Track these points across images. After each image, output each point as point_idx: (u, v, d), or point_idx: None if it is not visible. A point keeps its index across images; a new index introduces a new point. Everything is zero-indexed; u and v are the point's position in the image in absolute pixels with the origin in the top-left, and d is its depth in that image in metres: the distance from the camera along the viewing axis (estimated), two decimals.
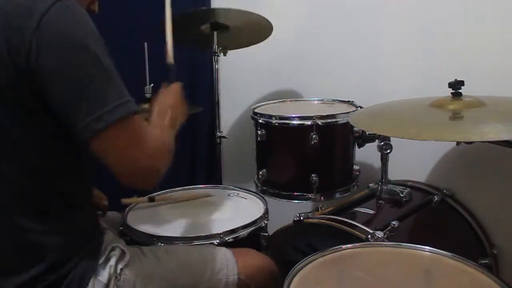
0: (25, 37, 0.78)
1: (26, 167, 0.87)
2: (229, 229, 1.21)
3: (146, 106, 1.55)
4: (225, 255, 1.12)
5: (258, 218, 1.28)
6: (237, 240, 1.21)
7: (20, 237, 0.89)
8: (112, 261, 0.98)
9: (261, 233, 1.29)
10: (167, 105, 1.06)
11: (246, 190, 1.51)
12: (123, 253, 1.01)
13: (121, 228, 1.25)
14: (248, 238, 1.24)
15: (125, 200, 1.39)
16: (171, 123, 1.02)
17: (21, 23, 0.79)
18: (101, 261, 0.97)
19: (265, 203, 1.39)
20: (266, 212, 1.33)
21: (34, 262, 0.89)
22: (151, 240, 1.18)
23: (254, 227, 1.26)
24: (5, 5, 0.81)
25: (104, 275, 0.96)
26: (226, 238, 1.19)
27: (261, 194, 1.47)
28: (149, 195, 1.44)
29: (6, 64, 0.80)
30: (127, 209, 1.36)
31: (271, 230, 1.36)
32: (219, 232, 1.19)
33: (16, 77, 0.81)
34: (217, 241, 1.18)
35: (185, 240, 1.18)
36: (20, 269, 0.89)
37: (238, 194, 1.49)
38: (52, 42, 0.79)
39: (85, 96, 0.81)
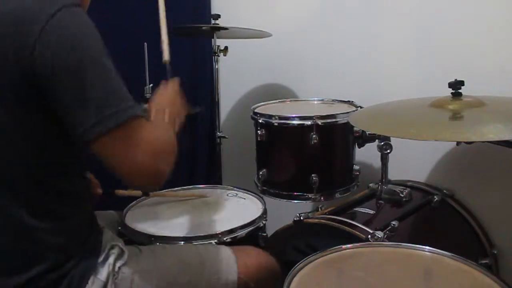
0: (30, 40, 0.80)
1: (27, 166, 0.88)
2: (228, 229, 1.22)
3: (145, 106, 1.54)
4: (225, 254, 1.12)
5: (256, 218, 1.28)
6: (235, 240, 1.21)
7: (22, 236, 0.89)
8: (111, 259, 0.99)
9: (260, 233, 1.30)
10: (165, 103, 1.06)
11: (245, 190, 1.51)
12: (121, 252, 1.02)
13: (119, 228, 1.25)
14: (246, 238, 1.24)
15: (119, 192, 1.38)
16: (170, 121, 1.02)
17: (27, 27, 0.80)
18: (100, 259, 0.98)
19: (264, 203, 1.39)
20: (265, 212, 1.33)
21: (35, 261, 0.89)
22: (149, 240, 1.18)
23: (252, 227, 1.26)
24: (13, 10, 0.82)
25: (103, 274, 0.96)
26: (224, 238, 1.19)
27: (260, 194, 1.47)
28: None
29: (11, 65, 0.81)
30: (125, 209, 1.36)
31: (271, 230, 1.36)
32: (217, 232, 1.20)
33: (20, 79, 0.82)
34: (215, 241, 1.18)
35: (183, 240, 1.18)
36: (21, 268, 0.89)
37: (236, 194, 1.49)
38: (56, 46, 0.80)
39: (87, 99, 0.82)
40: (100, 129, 0.82)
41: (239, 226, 1.23)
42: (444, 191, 1.52)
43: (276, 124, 1.43)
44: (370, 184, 1.53)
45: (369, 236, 1.15)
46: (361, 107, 1.48)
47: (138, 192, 1.41)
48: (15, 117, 0.85)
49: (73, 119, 0.83)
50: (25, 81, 0.82)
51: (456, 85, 1.11)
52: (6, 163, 0.87)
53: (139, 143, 0.86)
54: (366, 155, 1.58)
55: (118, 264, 0.99)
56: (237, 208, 1.39)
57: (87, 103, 0.81)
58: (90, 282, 0.94)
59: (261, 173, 1.48)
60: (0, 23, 0.82)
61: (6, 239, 0.89)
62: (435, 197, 1.46)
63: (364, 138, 1.45)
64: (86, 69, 0.82)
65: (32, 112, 0.85)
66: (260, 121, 1.46)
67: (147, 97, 1.67)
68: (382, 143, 1.40)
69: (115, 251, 1.00)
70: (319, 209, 1.44)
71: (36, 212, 0.89)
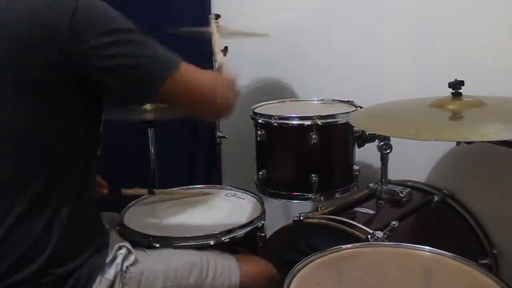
0: (65, 21, 0.84)
1: (42, 157, 0.89)
2: (226, 229, 1.21)
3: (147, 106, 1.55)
4: (227, 259, 1.15)
5: (255, 219, 1.28)
6: (234, 240, 1.21)
7: (29, 229, 0.90)
8: (119, 259, 1.00)
9: (258, 234, 1.29)
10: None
11: (244, 190, 1.51)
12: (129, 252, 1.04)
13: (118, 228, 1.25)
14: (245, 238, 1.24)
15: (125, 191, 1.38)
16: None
17: (59, 10, 0.85)
18: (108, 259, 0.99)
19: (262, 203, 1.39)
20: (263, 212, 1.33)
21: (41, 255, 0.90)
22: (148, 240, 1.18)
23: (250, 227, 1.26)
24: None
25: (110, 273, 0.98)
26: (223, 238, 1.19)
27: (259, 194, 1.47)
28: (148, 188, 1.45)
29: (46, 51, 0.85)
30: (124, 209, 1.36)
31: (271, 230, 1.35)
32: (215, 232, 1.19)
33: (57, 63, 0.85)
34: (214, 241, 1.18)
35: (182, 240, 1.18)
36: (27, 261, 0.89)
37: (235, 194, 1.49)
38: (91, 23, 0.86)
39: (142, 60, 0.90)
40: (165, 74, 0.92)
41: (237, 226, 1.23)
42: (444, 191, 1.52)
43: (276, 124, 1.43)
44: (370, 184, 1.53)
45: (369, 236, 1.15)
46: (361, 107, 1.48)
47: (144, 191, 1.43)
48: (41, 106, 0.87)
49: (131, 82, 0.91)
50: (63, 66, 0.86)
51: (456, 85, 1.11)
52: (22, 153, 0.88)
53: (199, 75, 1.02)
54: (366, 155, 1.58)
55: (126, 264, 1.00)
56: (236, 208, 1.39)
57: (142, 63, 0.90)
58: (97, 281, 0.95)
59: (261, 173, 1.48)
60: (31, 9, 0.85)
61: (14, 232, 0.89)
62: (435, 197, 1.46)
63: (364, 138, 1.45)
64: (123, 36, 0.89)
65: (61, 100, 0.89)
66: (260, 121, 1.46)
67: None
68: (382, 143, 1.40)
69: (123, 252, 1.02)
70: (319, 209, 1.44)
71: (44, 206, 0.90)
